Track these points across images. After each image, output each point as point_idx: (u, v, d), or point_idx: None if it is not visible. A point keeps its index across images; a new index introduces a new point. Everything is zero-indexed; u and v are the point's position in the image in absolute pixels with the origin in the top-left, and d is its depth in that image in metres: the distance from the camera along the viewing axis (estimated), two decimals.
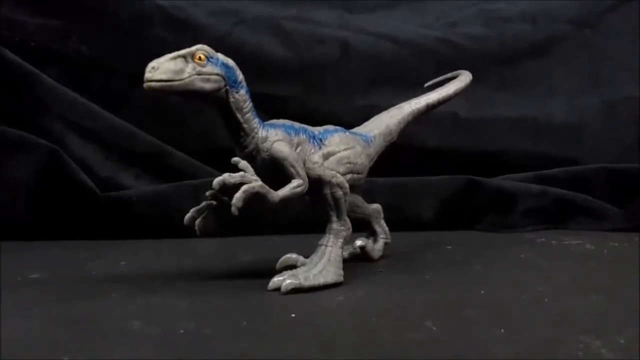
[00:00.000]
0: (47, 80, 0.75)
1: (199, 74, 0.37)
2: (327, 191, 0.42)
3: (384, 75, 0.83)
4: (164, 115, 0.79)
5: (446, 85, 0.55)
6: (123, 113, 0.77)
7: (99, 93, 0.78)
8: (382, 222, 0.54)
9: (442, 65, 0.80)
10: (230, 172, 0.38)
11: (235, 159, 0.39)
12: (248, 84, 0.41)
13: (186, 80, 0.37)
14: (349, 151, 0.44)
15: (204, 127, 0.78)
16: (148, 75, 0.36)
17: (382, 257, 0.53)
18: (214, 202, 0.41)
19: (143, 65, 0.37)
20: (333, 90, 0.82)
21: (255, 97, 0.42)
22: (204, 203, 0.42)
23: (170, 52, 0.38)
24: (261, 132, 0.41)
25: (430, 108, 0.53)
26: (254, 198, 0.38)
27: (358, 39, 0.84)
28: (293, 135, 0.42)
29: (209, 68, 0.38)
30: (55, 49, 0.77)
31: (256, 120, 0.41)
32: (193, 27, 0.80)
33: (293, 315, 0.34)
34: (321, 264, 0.41)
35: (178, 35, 0.79)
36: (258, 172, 0.39)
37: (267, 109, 0.68)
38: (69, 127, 0.74)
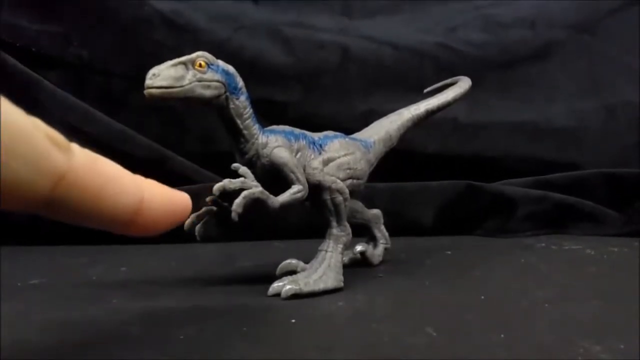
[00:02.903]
0: (48, 85, 0.75)
1: (199, 80, 0.37)
2: (327, 197, 0.42)
3: (384, 81, 0.84)
4: (164, 120, 0.79)
5: (446, 91, 0.55)
6: (123, 117, 0.77)
7: (99, 97, 0.78)
8: (382, 227, 0.54)
9: (441, 70, 0.80)
10: (230, 177, 0.38)
11: (236, 164, 0.39)
12: (247, 90, 0.41)
13: (186, 87, 0.37)
14: (348, 157, 0.44)
15: (204, 132, 0.78)
16: (148, 82, 0.36)
17: (382, 262, 0.53)
18: (214, 208, 0.42)
19: (143, 70, 0.37)
20: (333, 96, 0.82)
21: (254, 103, 0.42)
22: (204, 209, 0.42)
23: (170, 57, 0.38)
24: (261, 138, 0.41)
25: (430, 114, 0.53)
26: (254, 204, 0.38)
27: (358, 44, 0.84)
28: (293, 141, 0.42)
29: (210, 75, 0.38)
30: (56, 54, 0.77)
31: (256, 126, 0.41)
32: (193, 32, 0.80)
33: (293, 320, 0.34)
34: (321, 270, 0.42)
35: (178, 40, 0.79)
36: (258, 178, 0.39)
37: (267, 114, 0.68)
38: (69, 131, 0.73)
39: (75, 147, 0.23)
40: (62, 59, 0.77)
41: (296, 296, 0.39)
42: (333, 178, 0.43)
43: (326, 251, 0.43)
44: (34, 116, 0.23)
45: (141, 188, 0.26)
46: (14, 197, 0.20)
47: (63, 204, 0.22)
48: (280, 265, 0.44)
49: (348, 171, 0.44)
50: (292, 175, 0.41)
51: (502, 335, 0.31)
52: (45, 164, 0.21)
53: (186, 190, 0.78)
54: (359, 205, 0.51)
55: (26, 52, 0.76)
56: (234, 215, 0.37)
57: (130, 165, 0.82)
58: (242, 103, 0.40)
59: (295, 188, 0.40)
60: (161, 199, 0.27)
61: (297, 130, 0.44)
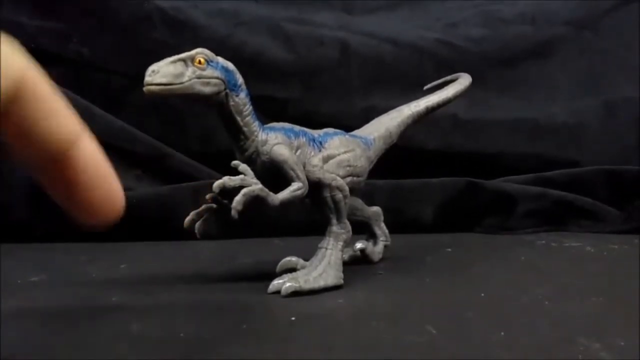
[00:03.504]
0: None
1: (198, 77, 0.37)
2: (327, 194, 0.42)
3: (384, 77, 0.84)
4: (164, 117, 0.79)
5: (446, 88, 0.55)
6: (123, 115, 0.77)
7: (99, 95, 0.78)
8: (382, 224, 0.54)
9: (441, 66, 0.80)
10: (230, 174, 0.38)
11: (235, 162, 0.39)
12: (248, 86, 0.41)
13: (186, 84, 0.37)
14: (348, 154, 0.44)
15: (204, 129, 0.78)
16: (148, 79, 0.36)
17: (382, 259, 0.53)
18: (214, 205, 0.41)
19: (143, 67, 0.37)
20: (333, 92, 0.82)
21: (255, 99, 0.42)
22: (203, 206, 0.42)
23: (170, 53, 0.38)
24: (261, 136, 0.41)
25: (430, 111, 0.53)
26: (254, 201, 0.38)
27: (358, 41, 0.84)
28: (293, 138, 0.42)
29: (209, 72, 0.38)
30: (56, 51, 0.77)
31: (256, 123, 0.41)
32: (193, 28, 0.80)
33: (293, 318, 0.34)
34: (321, 267, 0.41)
35: (178, 37, 0.79)
36: (258, 176, 0.39)
37: (267, 111, 0.68)
38: None
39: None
40: (62, 56, 0.77)
41: (296, 294, 0.39)
42: (333, 175, 0.42)
43: (326, 249, 0.43)
44: None
45: (82, 130, 0.25)
46: None
47: (21, 104, 0.22)
48: (280, 263, 0.44)
49: (348, 168, 0.44)
50: (292, 173, 0.40)
51: (502, 333, 0.31)
52: (7, 63, 0.21)
53: (186, 187, 0.79)
54: (359, 202, 0.51)
55: (26, 49, 0.75)
56: (233, 212, 0.37)
57: (131, 163, 0.82)
58: (241, 100, 0.40)
59: (295, 185, 0.40)
60: (97, 156, 0.25)
61: (297, 128, 0.44)
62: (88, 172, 0.25)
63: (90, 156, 0.25)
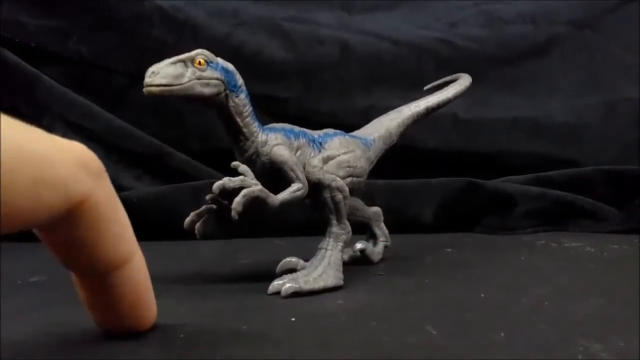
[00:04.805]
0: (47, 81, 0.75)
1: (198, 78, 0.37)
2: (327, 195, 0.42)
3: (384, 76, 0.84)
4: (164, 116, 0.79)
5: (446, 88, 0.55)
6: (123, 114, 0.77)
7: (99, 93, 0.78)
8: (382, 225, 0.54)
9: (441, 66, 0.80)
10: (230, 173, 0.38)
11: (235, 163, 0.39)
12: (247, 85, 0.41)
13: (186, 85, 0.37)
14: (348, 155, 0.44)
15: (204, 128, 0.78)
16: (148, 80, 0.36)
17: (382, 260, 0.53)
18: (214, 206, 0.41)
19: (143, 66, 0.37)
20: (333, 91, 0.82)
21: (254, 98, 0.42)
22: (203, 207, 0.42)
23: (169, 52, 0.38)
24: (261, 136, 0.41)
25: (430, 111, 0.53)
26: (254, 202, 0.38)
27: (358, 40, 0.84)
28: (293, 139, 0.42)
29: (209, 72, 0.38)
30: (56, 49, 0.77)
31: (256, 124, 0.41)
32: (192, 28, 0.80)
33: (293, 319, 0.34)
34: (321, 268, 0.41)
35: (177, 36, 0.79)
36: (258, 176, 0.39)
37: (267, 110, 0.68)
38: (69, 127, 0.74)
39: (106, 176, 0.24)
40: (62, 55, 0.77)
41: (296, 294, 0.39)
42: (333, 176, 0.42)
43: (326, 249, 0.43)
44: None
45: (137, 247, 0.28)
46: (30, 217, 0.21)
47: (75, 224, 0.23)
48: (280, 264, 0.44)
49: (348, 169, 0.44)
50: (292, 174, 0.40)
51: (502, 334, 0.31)
52: (69, 187, 0.22)
53: (186, 187, 0.78)
54: (359, 202, 0.51)
55: (26, 48, 0.76)
56: (233, 213, 0.37)
57: (131, 162, 0.82)
58: (241, 101, 0.40)
59: (295, 186, 0.40)
60: (142, 275, 0.29)
61: (297, 128, 0.44)
62: (129, 289, 0.27)
63: (135, 276, 0.28)
